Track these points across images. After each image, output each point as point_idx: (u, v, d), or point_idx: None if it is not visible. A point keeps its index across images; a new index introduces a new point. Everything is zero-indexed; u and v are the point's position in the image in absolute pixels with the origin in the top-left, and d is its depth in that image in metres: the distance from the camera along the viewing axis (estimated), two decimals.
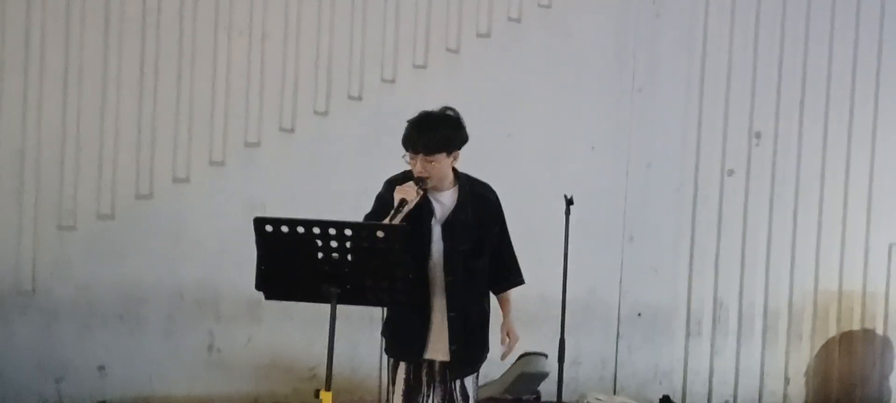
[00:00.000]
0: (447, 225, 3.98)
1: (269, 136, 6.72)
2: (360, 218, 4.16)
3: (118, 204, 6.55)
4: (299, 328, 6.51)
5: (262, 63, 6.70)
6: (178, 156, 6.61)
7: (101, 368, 6.52)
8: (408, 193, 3.90)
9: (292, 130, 6.74)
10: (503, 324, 4.27)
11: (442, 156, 3.96)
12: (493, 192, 4.16)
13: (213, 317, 6.65)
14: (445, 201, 4.01)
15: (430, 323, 3.97)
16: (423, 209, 3.98)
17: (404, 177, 4.07)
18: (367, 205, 4.40)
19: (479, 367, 4.18)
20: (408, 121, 4.02)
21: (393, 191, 4.04)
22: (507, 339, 4.26)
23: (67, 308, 6.51)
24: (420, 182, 3.94)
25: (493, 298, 4.31)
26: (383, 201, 4.10)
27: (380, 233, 3.62)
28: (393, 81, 6.79)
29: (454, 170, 4.11)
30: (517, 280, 4.30)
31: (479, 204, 4.05)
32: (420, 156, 3.94)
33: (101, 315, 6.52)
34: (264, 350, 6.69)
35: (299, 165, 6.71)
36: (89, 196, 6.55)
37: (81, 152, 6.54)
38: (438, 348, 4.00)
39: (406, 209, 3.89)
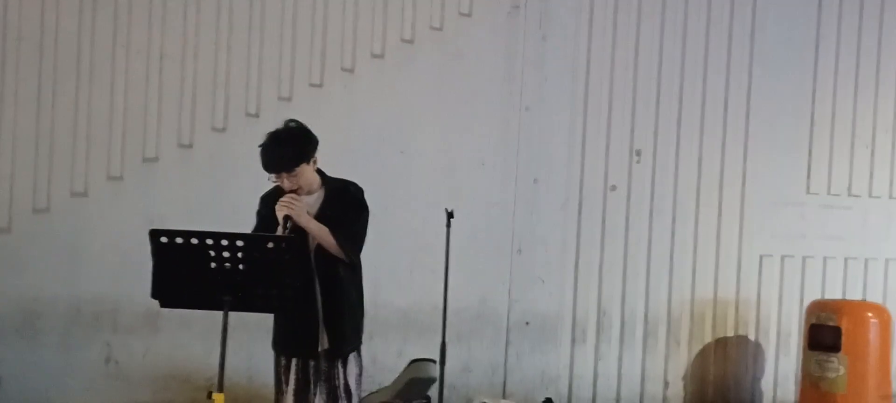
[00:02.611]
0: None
1: (167, 152, 6.83)
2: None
3: (15, 217, 6.57)
4: (197, 339, 6.62)
5: (160, 80, 6.81)
6: (75, 171, 6.68)
7: None
8: (289, 207, 4.10)
9: (191, 146, 6.88)
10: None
11: (303, 167, 4.21)
12: (357, 187, 4.38)
13: (111, 329, 6.72)
14: (313, 202, 4.24)
15: (312, 317, 4.16)
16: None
17: (276, 192, 4.30)
18: None
19: (355, 348, 4.32)
20: (259, 147, 4.23)
21: (268, 206, 4.28)
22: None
23: None
24: (286, 219, 4.12)
25: (367, 288, 4.44)
26: (262, 217, 4.32)
27: (270, 244, 3.84)
28: (289, 99, 6.97)
29: (319, 171, 4.34)
30: (344, 253, 4.29)
31: (342, 197, 4.28)
32: (284, 174, 4.17)
33: None
34: (162, 361, 6.78)
35: (198, 180, 6.84)
36: None
37: None
38: (320, 338, 4.20)
39: (291, 223, 4.12)
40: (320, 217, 4.22)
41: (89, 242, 6.68)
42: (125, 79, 6.76)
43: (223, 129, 6.93)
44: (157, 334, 6.76)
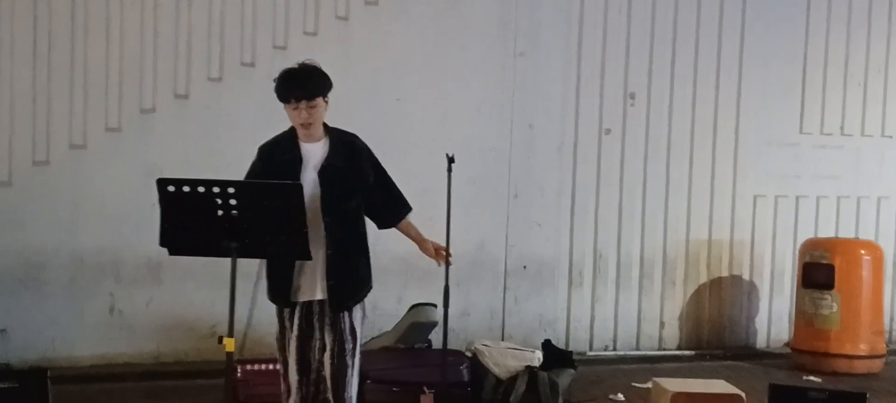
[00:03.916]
0: (323, 172, 4.26)
1: (164, 103, 6.85)
2: None
3: (15, 170, 6.61)
4: (200, 288, 6.70)
5: (155, 31, 6.82)
6: (74, 124, 6.70)
7: (3, 331, 6.58)
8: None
9: (187, 96, 6.89)
10: (425, 248, 4.65)
11: (320, 100, 4.27)
12: (360, 139, 4.45)
13: (114, 280, 6.78)
14: (318, 151, 4.30)
15: (315, 265, 4.22)
16: (297, 162, 4.25)
17: (274, 144, 4.35)
18: None
19: (361, 300, 4.40)
20: (281, 76, 4.26)
21: (264, 157, 4.30)
22: (436, 255, 4.67)
23: None
24: None
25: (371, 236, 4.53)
26: (256, 170, 4.33)
27: (274, 191, 3.89)
28: (284, 48, 6.97)
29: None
30: (406, 208, 4.63)
31: (350, 150, 4.35)
32: (303, 103, 4.21)
33: (2, 279, 6.56)
34: (165, 310, 6.85)
35: (195, 130, 6.86)
36: None
37: None
38: (321, 287, 4.27)
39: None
40: (330, 167, 4.25)
41: (90, 194, 6.72)
42: (120, 30, 6.76)
43: (219, 79, 6.95)
44: (160, 284, 6.83)
